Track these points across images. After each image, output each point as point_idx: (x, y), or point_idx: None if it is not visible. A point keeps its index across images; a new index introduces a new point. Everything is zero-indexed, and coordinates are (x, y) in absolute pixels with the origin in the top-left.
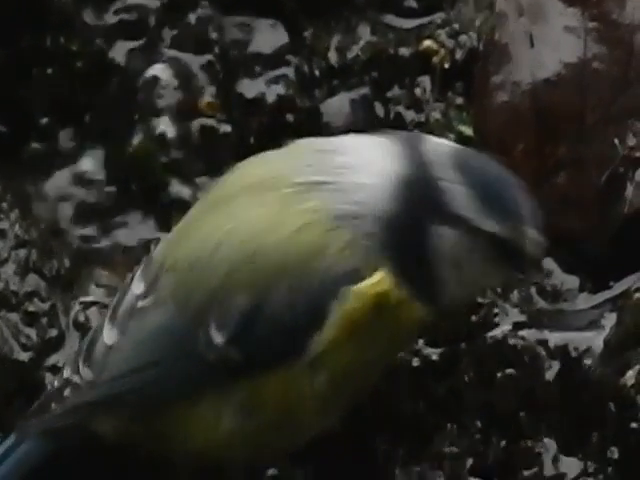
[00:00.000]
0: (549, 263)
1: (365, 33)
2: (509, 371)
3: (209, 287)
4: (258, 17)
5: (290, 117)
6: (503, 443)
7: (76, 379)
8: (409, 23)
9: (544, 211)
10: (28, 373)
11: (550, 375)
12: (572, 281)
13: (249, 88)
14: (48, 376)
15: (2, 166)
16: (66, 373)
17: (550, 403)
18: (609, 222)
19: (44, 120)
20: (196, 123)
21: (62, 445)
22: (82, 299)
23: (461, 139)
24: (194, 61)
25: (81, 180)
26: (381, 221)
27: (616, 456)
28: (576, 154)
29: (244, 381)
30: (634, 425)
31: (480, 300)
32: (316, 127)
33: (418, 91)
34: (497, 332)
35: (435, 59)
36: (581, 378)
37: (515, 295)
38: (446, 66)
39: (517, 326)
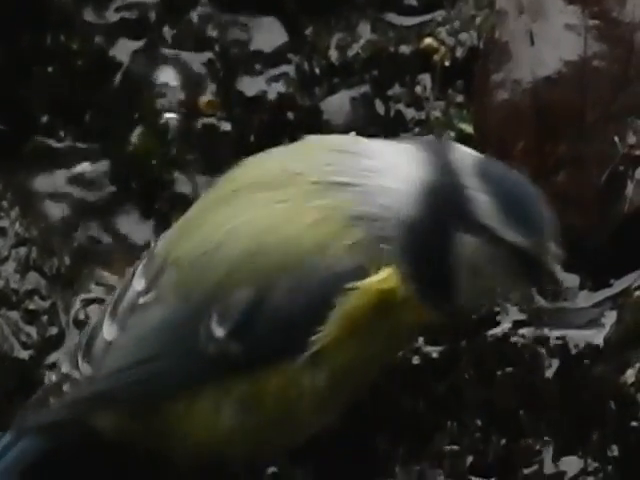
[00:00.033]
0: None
1: (365, 31)
2: (509, 369)
3: (212, 281)
4: (258, 15)
5: (290, 115)
6: (503, 441)
7: (75, 374)
8: (409, 21)
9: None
10: (28, 371)
11: (550, 373)
12: (572, 279)
13: (249, 86)
14: (48, 374)
15: (2, 164)
16: (64, 368)
17: (550, 401)
18: (609, 220)
19: (44, 118)
20: (196, 121)
21: (61, 442)
22: (83, 296)
23: (461, 137)
24: (194, 59)
25: (81, 178)
26: (404, 225)
27: (616, 454)
28: (576, 152)
29: (244, 375)
30: (634, 423)
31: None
32: (316, 125)
33: (418, 89)
34: (497, 330)
35: (435, 57)
36: (581, 376)
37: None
38: (446, 64)
39: (517, 324)
